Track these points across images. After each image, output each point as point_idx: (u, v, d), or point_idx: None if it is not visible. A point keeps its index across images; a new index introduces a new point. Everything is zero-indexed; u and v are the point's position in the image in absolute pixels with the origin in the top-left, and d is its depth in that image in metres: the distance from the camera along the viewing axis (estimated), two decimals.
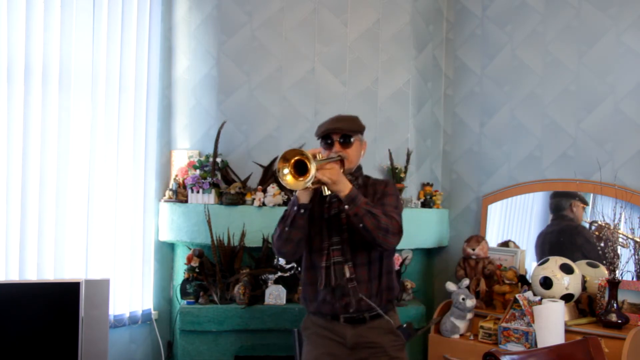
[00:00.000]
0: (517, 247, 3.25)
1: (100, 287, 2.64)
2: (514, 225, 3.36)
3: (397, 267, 3.15)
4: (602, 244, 2.77)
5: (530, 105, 3.31)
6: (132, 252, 3.24)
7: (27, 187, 2.87)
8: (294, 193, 2.10)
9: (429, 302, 3.48)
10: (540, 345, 2.51)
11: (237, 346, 2.98)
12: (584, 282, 2.79)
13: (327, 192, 2.07)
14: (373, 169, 3.27)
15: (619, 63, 3.01)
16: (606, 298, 2.64)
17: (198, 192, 3.10)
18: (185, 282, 3.05)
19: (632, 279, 2.74)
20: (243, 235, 3.04)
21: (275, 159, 3.18)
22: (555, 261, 2.79)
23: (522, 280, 3.02)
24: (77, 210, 3.01)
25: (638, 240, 2.78)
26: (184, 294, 3.04)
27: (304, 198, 2.06)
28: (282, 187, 3.09)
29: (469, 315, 2.93)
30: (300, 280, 2.61)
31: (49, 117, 2.93)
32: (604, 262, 2.75)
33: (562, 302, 2.61)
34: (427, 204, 3.41)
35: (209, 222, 3.01)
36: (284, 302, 2.99)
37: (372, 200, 2.13)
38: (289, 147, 1.99)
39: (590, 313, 2.80)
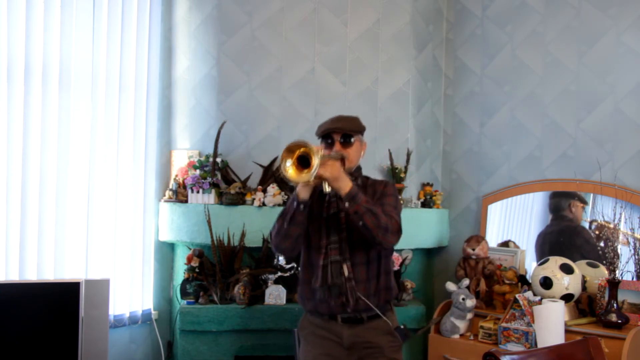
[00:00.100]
0: (517, 247, 3.25)
1: (100, 287, 2.64)
2: (514, 225, 3.36)
3: (397, 267, 3.15)
4: (602, 244, 2.77)
5: (530, 105, 3.31)
6: (132, 252, 3.24)
7: (27, 187, 2.87)
8: (294, 191, 2.10)
9: (429, 302, 3.47)
10: (540, 345, 2.51)
11: (237, 346, 2.98)
12: (584, 282, 2.79)
13: (328, 189, 2.04)
14: (373, 169, 3.26)
15: (619, 63, 3.01)
16: (606, 298, 2.64)
17: (198, 192, 3.10)
18: (185, 282, 3.05)
19: (632, 279, 2.74)
20: (243, 235, 3.04)
21: (275, 159, 3.18)
22: (555, 261, 2.79)
23: (522, 280, 3.02)
24: (77, 210, 3.01)
25: (638, 237, 2.78)
26: (184, 294, 3.04)
27: (304, 194, 2.04)
28: (282, 187, 3.09)
29: (469, 315, 2.93)
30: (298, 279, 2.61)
31: (49, 117, 2.93)
32: (604, 262, 2.75)
33: (562, 302, 2.61)
34: (427, 204, 3.41)
35: (209, 222, 3.01)
36: (284, 302, 2.99)
37: (372, 200, 2.13)
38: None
39: (590, 313, 2.79)
